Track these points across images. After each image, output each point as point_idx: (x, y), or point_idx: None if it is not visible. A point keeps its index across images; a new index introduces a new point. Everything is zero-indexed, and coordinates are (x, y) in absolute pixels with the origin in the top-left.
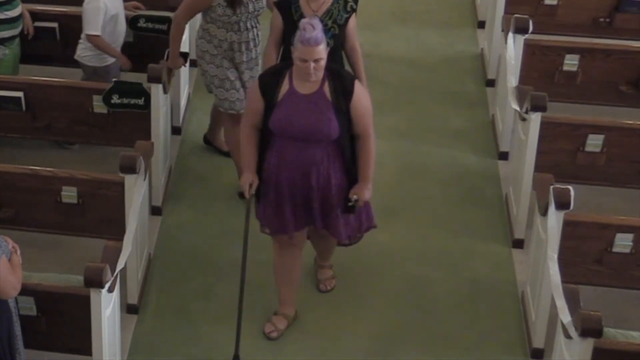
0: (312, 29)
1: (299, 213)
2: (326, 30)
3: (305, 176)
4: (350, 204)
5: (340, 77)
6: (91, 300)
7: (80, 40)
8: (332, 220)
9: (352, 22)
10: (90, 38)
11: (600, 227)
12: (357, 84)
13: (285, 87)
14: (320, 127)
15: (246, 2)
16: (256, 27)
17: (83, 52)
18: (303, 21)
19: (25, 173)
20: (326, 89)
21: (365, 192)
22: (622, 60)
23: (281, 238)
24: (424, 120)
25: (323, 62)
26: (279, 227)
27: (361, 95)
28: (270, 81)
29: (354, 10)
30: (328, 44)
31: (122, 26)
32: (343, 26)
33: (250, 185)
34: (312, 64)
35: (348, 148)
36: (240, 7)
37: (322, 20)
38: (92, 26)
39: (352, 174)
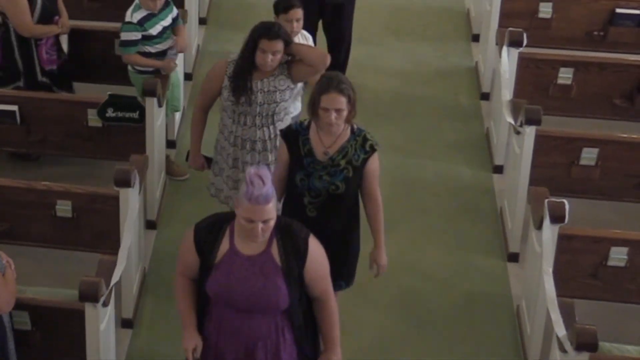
0: (262, 183)
1: None
2: (337, 171)
3: (249, 353)
4: None
5: (291, 234)
6: (86, 314)
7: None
8: None
9: (373, 164)
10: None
11: (595, 240)
12: (311, 241)
13: (224, 245)
14: (265, 296)
15: (254, 91)
16: (269, 127)
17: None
18: (250, 172)
19: (19, 187)
20: (274, 249)
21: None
22: (617, 73)
23: None
24: (418, 134)
25: (272, 222)
26: None
27: (317, 255)
28: (207, 238)
29: (374, 149)
30: (338, 188)
31: None
32: (359, 168)
33: (194, 350)
34: (260, 225)
35: (300, 316)
36: (244, 96)
37: (333, 159)
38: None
39: (304, 348)
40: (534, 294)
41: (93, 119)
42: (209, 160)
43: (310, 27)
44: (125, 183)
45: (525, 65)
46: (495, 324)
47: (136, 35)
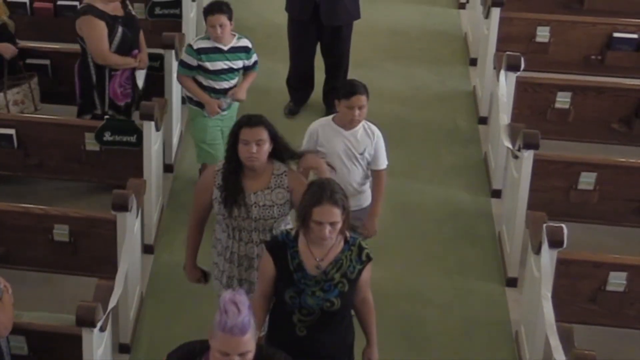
0: (237, 311)
1: None
2: (332, 285)
3: None
4: None
5: None
6: (83, 339)
7: None
8: None
9: (368, 272)
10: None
11: (593, 265)
12: None
13: None
14: None
15: (248, 204)
16: None
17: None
18: (224, 298)
19: (16, 211)
20: None
21: None
22: (614, 98)
23: None
24: (416, 158)
25: (251, 355)
26: None
27: None
28: None
29: (370, 259)
30: (333, 304)
31: None
32: (354, 281)
33: None
34: (237, 359)
35: None
36: (236, 209)
37: (326, 272)
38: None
39: None
40: (533, 319)
41: (90, 142)
42: (206, 274)
43: (309, 51)
44: (123, 207)
45: (523, 89)
46: (494, 349)
47: (191, 61)
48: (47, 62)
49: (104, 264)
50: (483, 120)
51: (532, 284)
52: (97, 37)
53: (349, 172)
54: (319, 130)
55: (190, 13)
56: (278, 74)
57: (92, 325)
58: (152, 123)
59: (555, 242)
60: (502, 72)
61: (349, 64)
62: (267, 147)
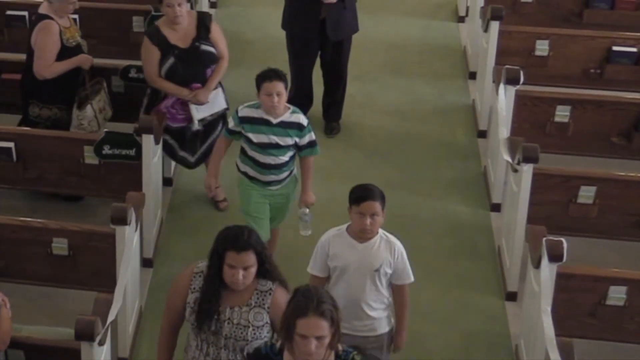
0: None
1: None
2: None
3: None
4: None
5: None
6: (82, 353)
7: None
8: None
9: None
10: None
11: (593, 279)
12: None
13: None
14: None
15: (221, 319)
16: None
17: None
18: None
19: (15, 224)
20: None
21: None
22: (614, 111)
23: None
24: (415, 172)
25: None
26: None
27: None
28: None
29: None
30: None
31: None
32: None
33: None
34: None
35: None
36: (207, 322)
37: None
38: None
39: None
40: (533, 333)
41: (89, 156)
42: None
43: (310, 66)
44: (122, 221)
45: (522, 103)
46: None
47: (233, 126)
48: None
49: (102, 278)
50: (482, 134)
51: (531, 298)
52: (146, 59)
53: (362, 291)
54: (330, 242)
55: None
56: None
57: (91, 339)
58: (151, 136)
59: (555, 256)
60: (502, 85)
61: (348, 77)
62: (254, 269)
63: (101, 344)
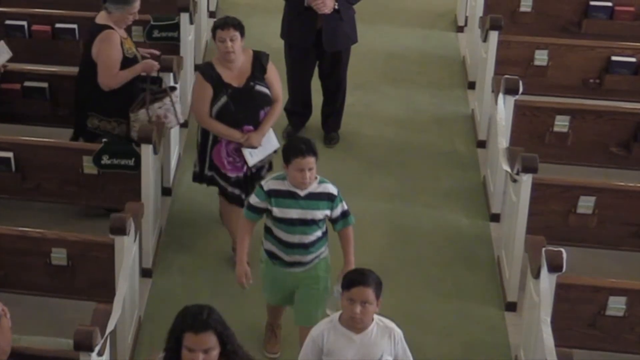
0: None
1: None
2: None
3: None
4: None
5: None
6: None
7: None
8: None
9: None
10: None
11: (593, 290)
12: None
13: None
14: None
15: None
16: None
17: None
18: None
19: (14, 234)
20: None
21: None
22: (613, 121)
23: None
24: (414, 182)
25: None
26: None
27: None
28: None
29: None
30: None
31: None
32: None
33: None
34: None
35: None
36: None
37: None
38: None
39: None
40: (532, 343)
41: (88, 166)
42: None
43: (308, 76)
44: (121, 231)
45: (521, 113)
46: None
47: (258, 203)
48: (45, 85)
49: (101, 288)
50: (481, 144)
51: (531, 309)
52: (197, 98)
53: None
54: (324, 335)
55: (189, 36)
56: None
57: (90, 349)
58: (150, 146)
59: (555, 266)
60: (501, 95)
61: (347, 87)
62: (216, 353)
63: (100, 354)
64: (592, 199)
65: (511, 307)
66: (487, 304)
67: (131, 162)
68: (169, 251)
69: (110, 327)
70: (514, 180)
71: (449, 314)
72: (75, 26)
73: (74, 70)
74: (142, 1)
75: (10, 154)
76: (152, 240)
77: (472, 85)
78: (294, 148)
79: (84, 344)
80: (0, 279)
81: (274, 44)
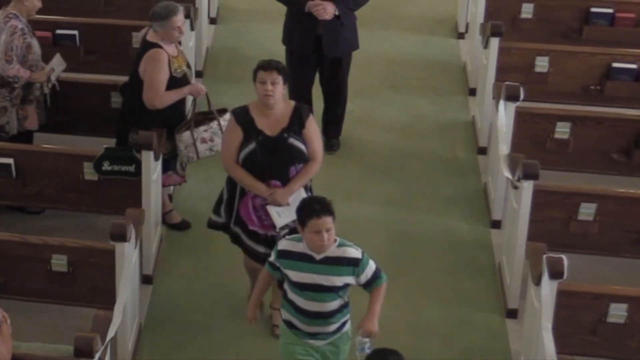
0: None
1: None
2: None
3: None
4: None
5: None
6: None
7: None
8: None
9: None
10: None
11: (594, 297)
12: None
13: None
14: None
15: None
16: None
17: None
18: None
19: (14, 240)
20: None
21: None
22: (614, 128)
23: None
24: (415, 188)
25: None
26: None
27: None
28: None
29: None
30: None
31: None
32: None
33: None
34: None
35: None
36: None
37: None
38: None
39: None
40: (533, 350)
41: (89, 172)
42: None
43: (308, 83)
44: (121, 237)
45: (522, 119)
46: None
47: (274, 260)
48: (46, 91)
49: (102, 295)
50: (482, 151)
51: (532, 315)
52: (225, 141)
53: None
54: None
55: (189, 42)
56: None
57: (90, 356)
58: (151, 153)
59: (556, 273)
60: (502, 102)
61: (348, 93)
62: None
63: None
64: (593, 205)
65: (512, 313)
66: (488, 310)
67: (132, 169)
68: (170, 257)
69: (110, 334)
70: (515, 187)
71: (450, 320)
72: (75, 32)
73: (73, 76)
74: (142, 8)
75: (11, 160)
76: (152, 246)
77: (472, 92)
78: (308, 208)
79: (84, 351)
80: (0, 285)
81: (275, 49)
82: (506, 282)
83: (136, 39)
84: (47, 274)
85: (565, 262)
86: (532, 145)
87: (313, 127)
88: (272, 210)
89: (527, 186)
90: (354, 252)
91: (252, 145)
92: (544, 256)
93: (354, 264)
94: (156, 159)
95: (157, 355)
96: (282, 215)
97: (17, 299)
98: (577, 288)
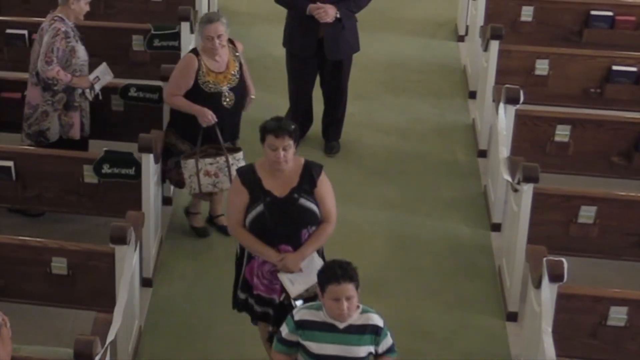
0: None
1: None
2: None
3: None
4: None
5: None
6: None
7: None
8: None
9: None
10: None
11: (594, 300)
12: None
13: None
14: None
15: None
16: None
17: None
18: None
19: (14, 243)
20: None
21: None
22: (614, 131)
23: None
24: (415, 191)
25: None
26: None
27: None
28: None
29: None
30: None
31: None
32: None
33: None
34: None
35: None
36: None
37: None
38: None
39: None
40: (533, 353)
41: (89, 175)
42: None
43: (309, 85)
44: (121, 240)
45: (522, 122)
46: None
47: (289, 336)
48: None
49: (102, 297)
50: (482, 154)
51: (532, 319)
52: (230, 202)
53: None
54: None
55: (189, 45)
56: (276, 107)
57: (90, 359)
58: (151, 156)
59: (556, 276)
60: (502, 105)
61: (348, 96)
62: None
63: None
64: (593, 208)
65: (512, 317)
66: (488, 313)
67: (132, 171)
68: (170, 260)
69: (110, 337)
70: (515, 190)
71: (450, 323)
72: None
73: None
74: (143, 11)
75: (10, 163)
76: (152, 249)
77: (472, 95)
78: (329, 272)
79: (84, 354)
80: (0, 288)
81: (275, 52)
82: (506, 285)
83: (136, 41)
84: (47, 277)
85: (565, 265)
86: (532, 148)
87: (326, 186)
88: (284, 277)
89: (527, 189)
90: (377, 320)
91: (259, 208)
92: (544, 259)
93: (375, 332)
94: (156, 162)
95: (157, 357)
96: (296, 283)
97: (17, 301)
98: (577, 291)
